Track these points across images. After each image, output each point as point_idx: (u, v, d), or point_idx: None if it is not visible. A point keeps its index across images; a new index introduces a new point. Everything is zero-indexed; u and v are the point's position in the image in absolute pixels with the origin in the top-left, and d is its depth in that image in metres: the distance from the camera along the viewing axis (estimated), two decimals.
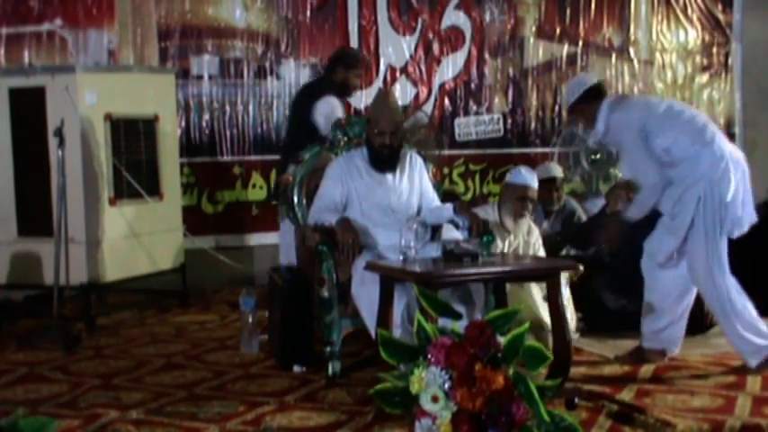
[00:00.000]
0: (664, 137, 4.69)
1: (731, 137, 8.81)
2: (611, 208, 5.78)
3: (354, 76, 6.21)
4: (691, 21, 8.72)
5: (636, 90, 8.58)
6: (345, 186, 4.81)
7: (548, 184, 6.38)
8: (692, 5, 8.70)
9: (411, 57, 7.98)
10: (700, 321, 5.40)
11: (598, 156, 7.49)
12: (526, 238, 5.37)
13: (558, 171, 6.49)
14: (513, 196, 5.31)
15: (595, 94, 4.89)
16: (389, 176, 4.85)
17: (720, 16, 8.77)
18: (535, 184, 5.39)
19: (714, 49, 8.75)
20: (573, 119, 4.98)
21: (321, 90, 6.08)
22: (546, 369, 3.68)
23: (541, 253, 5.42)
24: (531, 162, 7.59)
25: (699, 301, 5.42)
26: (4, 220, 6.24)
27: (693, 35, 8.73)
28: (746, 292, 4.71)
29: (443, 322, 3.33)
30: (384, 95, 5.02)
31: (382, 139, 4.77)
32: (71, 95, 5.97)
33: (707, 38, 8.75)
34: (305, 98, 6.15)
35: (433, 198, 4.97)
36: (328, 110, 5.89)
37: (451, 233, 4.69)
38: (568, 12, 8.39)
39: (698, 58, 8.75)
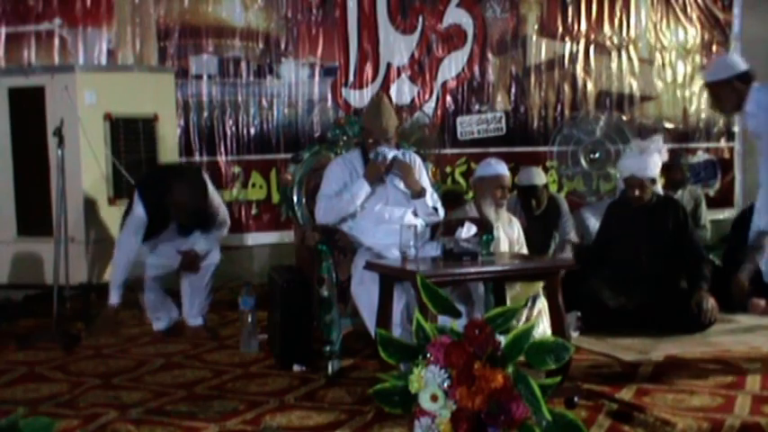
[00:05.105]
0: None
1: (731, 136, 8.83)
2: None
3: None
4: (690, 19, 8.72)
5: (636, 89, 8.58)
6: (346, 185, 4.81)
7: (528, 191, 6.36)
8: (691, 4, 8.70)
9: (412, 55, 7.97)
10: (699, 320, 5.40)
11: (597, 155, 7.49)
12: (508, 231, 5.40)
13: (539, 178, 6.44)
14: (490, 188, 5.37)
15: (747, 77, 4.89)
16: (388, 177, 4.85)
17: (720, 15, 8.77)
18: (507, 171, 5.43)
19: (714, 48, 8.75)
20: (718, 96, 4.89)
21: None
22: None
23: (524, 248, 5.48)
24: (534, 161, 7.59)
25: (698, 299, 5.43)
26: (3, 220, 6.24)
27: (693, 34, 8.73)
28: None
29: (443, 321, 3.33)
30: (376, 103, 4.97)
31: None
32: (70, 95, 5.97)
33: (706, 37, 8.75)
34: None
35: (430, 197, 4.96)
36: None
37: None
38: (570, 10, 8.39)
39: (697, 57, 8.75)
